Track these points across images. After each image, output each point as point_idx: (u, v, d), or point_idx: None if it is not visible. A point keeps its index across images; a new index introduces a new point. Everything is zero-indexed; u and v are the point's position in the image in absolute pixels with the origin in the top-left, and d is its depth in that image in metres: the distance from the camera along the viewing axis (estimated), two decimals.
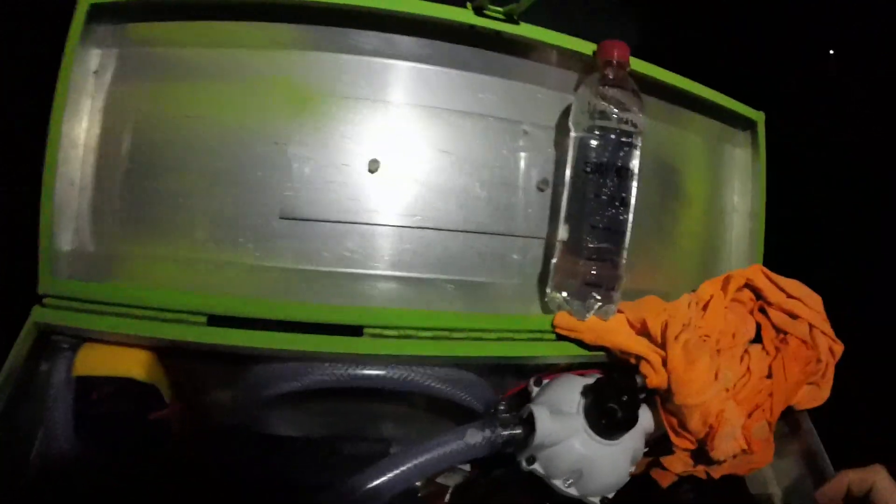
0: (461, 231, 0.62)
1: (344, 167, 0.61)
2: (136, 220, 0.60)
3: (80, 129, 0.59)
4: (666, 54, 0.78)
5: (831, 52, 0.85)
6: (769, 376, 0.65)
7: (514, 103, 0.64)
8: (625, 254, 0.60)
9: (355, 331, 0.56)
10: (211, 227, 0.60)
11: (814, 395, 0.66)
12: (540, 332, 0.59)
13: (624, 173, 0.58)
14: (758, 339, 0.70)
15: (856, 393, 0.72)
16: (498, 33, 0.61)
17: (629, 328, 0.61)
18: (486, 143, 0.63)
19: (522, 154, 0.64)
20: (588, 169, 0.57)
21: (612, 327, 0.58)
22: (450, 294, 0.61)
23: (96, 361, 0.53)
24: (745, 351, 0.66)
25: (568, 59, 0.64)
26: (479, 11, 0.58)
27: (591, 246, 0.58)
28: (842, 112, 0.84)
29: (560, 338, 0.60)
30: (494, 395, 0.63)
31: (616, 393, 0.55)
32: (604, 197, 0.57)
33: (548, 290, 0.61)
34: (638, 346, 0.57)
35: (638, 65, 0.66)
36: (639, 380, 0.56)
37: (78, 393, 0.52)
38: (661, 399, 0.58)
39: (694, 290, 0.70)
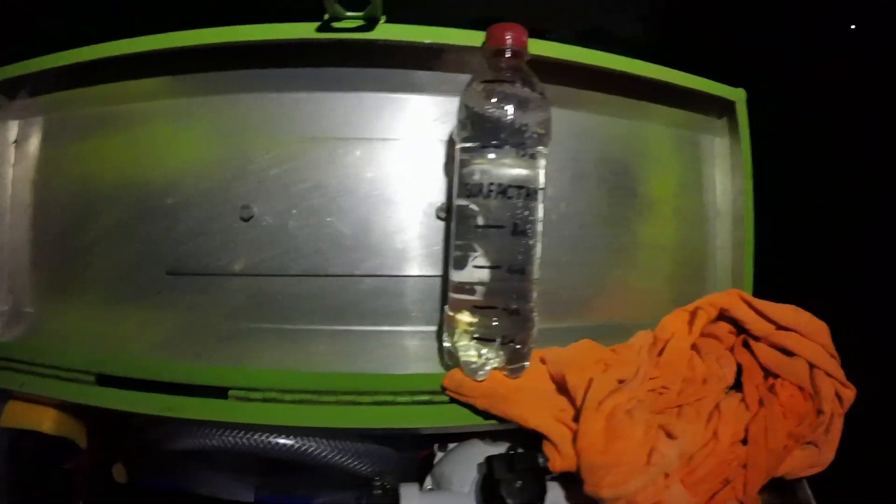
0: (349, 275, 0.47)
1: (220, 216, 0.48)
2: (48, 282, 0.55)
3: (4, 197, 0.55)
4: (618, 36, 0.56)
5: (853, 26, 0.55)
6: (746, 440, 0.42)
7: (401, 120, 0.47)
8: (532, 296, 0.41)
9: (223, 392, 0.43)
10: (106, 284, 0.53)
11: (812, 459, 0.43)
12: (429, 393, 0.42)
13: (517, 193, 0.38)
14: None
15: (870, 451, 0.47)
16: (371, 42, 0.43)
17: (546, 388, 0.42)
18: (373, 172, 0.47)
19: (416, 178, 0.47)
20: (469, 190, 0.39)
21: (508, 392, 0.40)
22: (335, 348, 0.46)
23: (14, 415, 0.50)
24: (716, 406, 0.43)
25: (458, 57, 0.45)
26: (328, 26, 0.41)
27: (480, 290, 0.39)
28: (847, 81, 0.55)
29: (454, 401, 0.41)
30: (400, 458, 0.46)
31: (510, 475, 0.37)
32: (492, 226, 0.38)
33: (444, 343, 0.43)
34: (537, 418, 0.39)
35: (568, 52, 0.46)
36: (541, 459, 0.37)
37: (10, 442, 0.52)
38: (578, 480, 0.38)
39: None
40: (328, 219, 0.47)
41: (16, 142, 0.56)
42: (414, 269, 0.47)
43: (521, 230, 0.40)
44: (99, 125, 0.53)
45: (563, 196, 0.49)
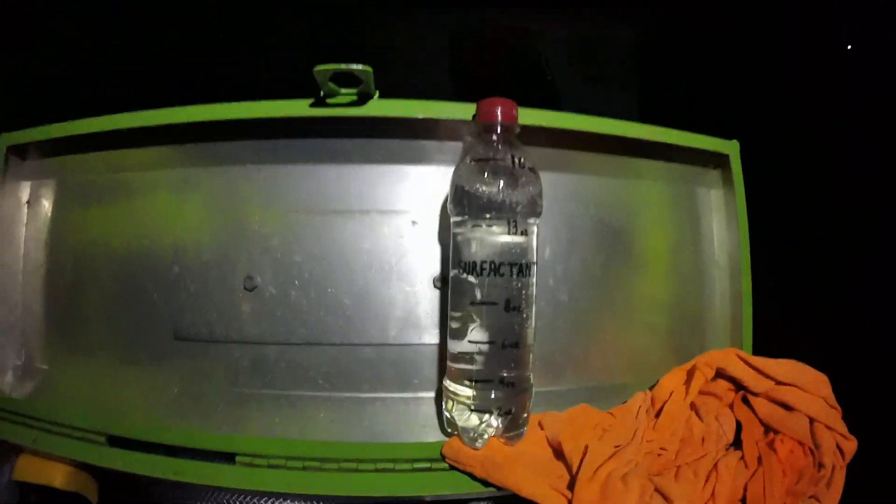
0: (350, 344, 0.48)
1: (224, 285, 0.50)
2: (60, 341, 0.57)
3: (17, 256, 0.57)
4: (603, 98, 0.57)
5: (849, 46, 0.55)
6: (745, 499, 0.43)
7: (397, 192, 0.49)
8: (528, 365, 0.42)
9: (230, 457, 0.45)
10: (115, 345, 0.55)
11: None
12: (429, 461, 0.43)
13: (509, 270, 0.40)
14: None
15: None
16: (365, 118, 0.45)
17: (544, 454, 0.43)
18: (371, 243, 0.49)
19: (413, 249, 0.49)
20: (463, 266, 0.41)
21: (504, 460, 0.41)
22: (337, 414, 0.48)
23: (28, 469, 0.52)
24: (714, 465, 0.44)
25: (453, 127, 0.47)
26: (323, 102, 0.43)
27: (477, 362, 0.41)
28: (843, 122, 0.55)
29: (454, 468, 0.43)
30: None
31: None
32: (485, 302, 0.40)
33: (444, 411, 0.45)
34: (532, 486, 0.40)
35: (560, 119, 0.48)
36: None
37: (21, 497, 0.54)
38: None
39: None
40: (329, 289, 0.49)
41: (28, 202, 0.59)
42: (413, 337, 0.49)
43: (514, 306, 0.41)
44: (106, 192, 0.56)
45: (559, 260, 0.51)
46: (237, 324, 0.50)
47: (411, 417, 0.48)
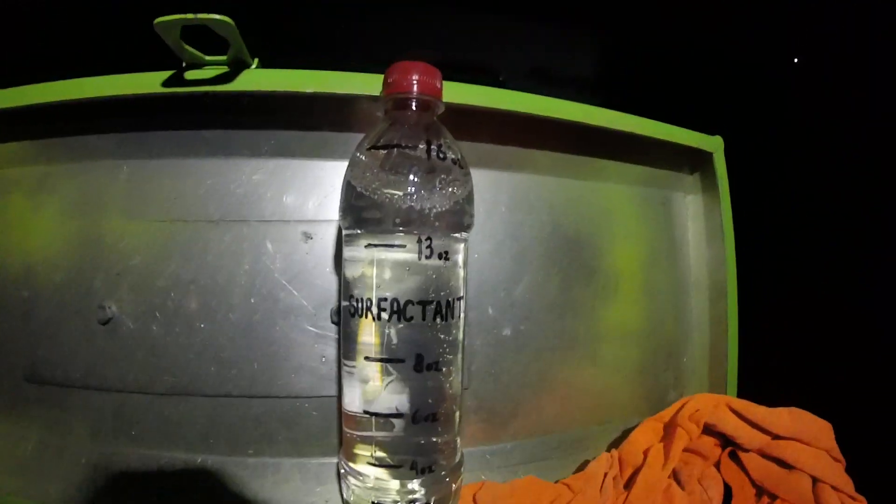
0: (228, 396, 0.29)
1: (76, 317, 0.31)
2: None
3: None
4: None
5: (795, 60, 0.38)
6: None
7: (287, 195, 0.29)
8: (451, 439, 0.24)
9: None
10: None
11: None
12: None
13: (420, 312, 0.21)
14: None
15: None
16: (239, 96, 0.26)
17: None
18: (252, 262, 0.29)
19: (307, 271, 0.29)
20: (354, 303, 0.21)
21: None
22: (213, 485, 0.28)
23: None
24: None
25: (365, 110, 0.27)
26: (181, 77, 0.24)
27: (379, 439, 0.22)
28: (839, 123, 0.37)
29: None
30: None
31: None
32: (385, 360, 0.21)
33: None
34: None
35: (507, 99, 0.28)
36: None
37: None
38: None
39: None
40: (200, 324, 0.29)
41: None
42: (309, 387, 0.30)
43: (430, 363, 0.23)
44: None
45: (502, 283, 0.32)
46: (95, 365, 0.31)
47: (309, 492, 0.29)
